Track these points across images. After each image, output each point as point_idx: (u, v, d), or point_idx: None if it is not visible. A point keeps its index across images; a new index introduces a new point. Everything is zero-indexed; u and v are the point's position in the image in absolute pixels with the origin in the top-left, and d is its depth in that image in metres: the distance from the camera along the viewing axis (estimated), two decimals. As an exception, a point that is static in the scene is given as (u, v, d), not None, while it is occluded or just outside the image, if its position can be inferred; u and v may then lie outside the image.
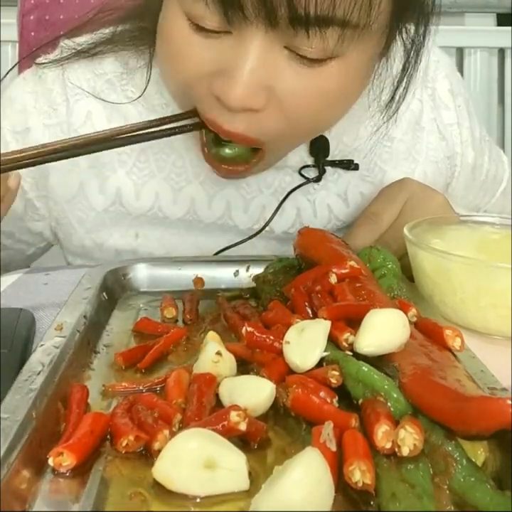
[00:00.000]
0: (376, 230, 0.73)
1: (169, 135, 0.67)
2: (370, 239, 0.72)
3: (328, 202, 0.84)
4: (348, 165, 0.82)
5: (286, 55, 0.62)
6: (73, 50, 0.80)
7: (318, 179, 0.81)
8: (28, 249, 0.90)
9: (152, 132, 0.66)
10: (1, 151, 0.71)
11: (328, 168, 0.82)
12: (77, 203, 0.82)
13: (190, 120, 0.69)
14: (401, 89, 0.75)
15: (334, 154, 0.82)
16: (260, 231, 0.80)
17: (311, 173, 0.83)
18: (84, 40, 0.82)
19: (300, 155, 0.81)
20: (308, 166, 0.82)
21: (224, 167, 0.70)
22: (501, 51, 2.05)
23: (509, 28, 1.96)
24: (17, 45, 1.24)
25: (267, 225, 0.80)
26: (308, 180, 0.81)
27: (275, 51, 0.62)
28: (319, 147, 0.80)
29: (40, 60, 0.81)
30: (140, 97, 0.78)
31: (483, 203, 0.98)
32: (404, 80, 0.74)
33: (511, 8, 1.99)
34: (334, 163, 0.82)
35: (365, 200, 0.82)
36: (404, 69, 0.73)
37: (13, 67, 0.91)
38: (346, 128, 0.81)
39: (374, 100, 0.77)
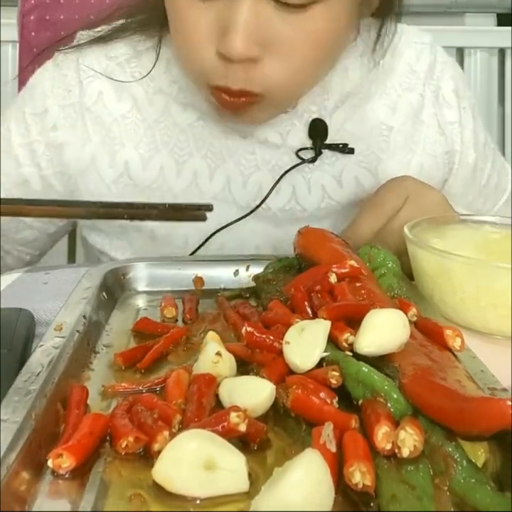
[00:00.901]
0: (381, 215, 0.73)
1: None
2: (375, 225, 0.73)
3: (322, 182, 0.86)
4: (343, 149, 0.85)
5: (272, 6, 0.68)
6: (90, 38, 0.88)
7: (313, 160, 0.84)
8: (48, 228, 0.94)
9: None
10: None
11: (327, 152, 0.85)
12: (89, 175, 0.87)
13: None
14: (386, 29, 0.82)
15: (335, 139, 0.85)
16: (258, 207, 0.83)
17: (308, 155, 0.85)
18: (99, 29, 0.89)
19: (299, 137, 0.84)
20: (306, 148, 0.84)
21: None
22: (501, 51, 2.05)
23: (509, 28, 1.97)
24: (17, 45, 1.24)
25: (264, 200, 0.82)
26: (303, 161, 0.84)
27: (263, 3, 0.68)
28: (318, 130, 0.84)
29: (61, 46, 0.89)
30: (147, 75, 0.84)
31: (484, 210, 0.98)
32: (388, 20, 0.81)
33: (511, 8, 1.99)
34: (330, 146, 0.84)
35: (359, 185, 0.86)
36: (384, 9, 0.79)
37: (32, 60, 0.99)
38: (347, 115, 0.85)
39: (363, 51, 0.84)
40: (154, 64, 0.84)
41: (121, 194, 0.86)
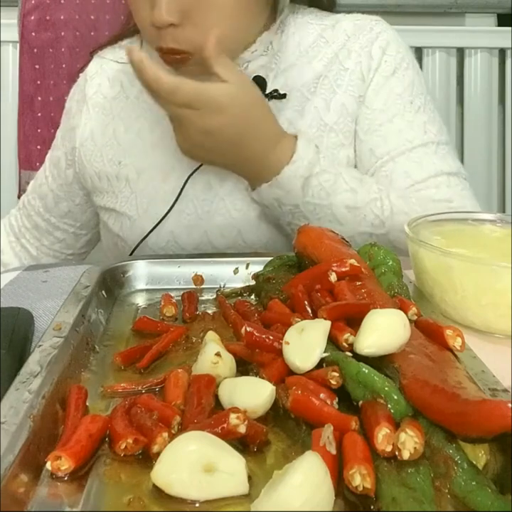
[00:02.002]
0: None
1: None
2: None
3: None
4: (276, 95, 0.99)
5: None
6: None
7: None
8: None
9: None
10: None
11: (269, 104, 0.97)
12: (85, 142, 1.07)
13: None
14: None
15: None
16: None
17: None
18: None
19: None
20: None
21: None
22: (502, 51, 2.05)
23: (509, 28, 1.96)
24: (18, 45, 1.24)
25: None
26: None
27: None
28: (258, 84, 0.95)
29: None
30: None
31: (383, 152, 0.98)
32: None
33: (511, 8, 1.99)
34: (266, 95, 0.97)
35: (290, 125, 0.98)
36: None
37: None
38: (290, 75, 1.01)
39: None
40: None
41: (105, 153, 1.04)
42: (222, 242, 0.95)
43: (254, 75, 0.98)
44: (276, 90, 0.99)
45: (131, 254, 0.96)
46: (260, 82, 0.98)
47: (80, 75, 1.13)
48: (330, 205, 0.87)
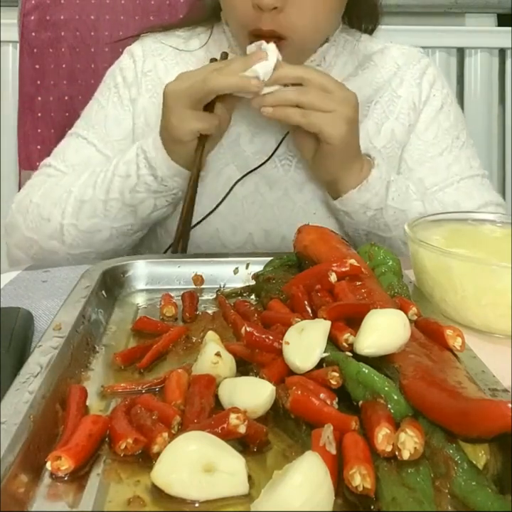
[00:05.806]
0: None
1: None
2: None
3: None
4: None
5: None
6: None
7: None
8: None
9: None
10: None
11: None
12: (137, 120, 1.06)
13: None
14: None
15: None
16: (271, 156, 0.99)
17: None
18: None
19: None
20: None
21: None
22: (502, 51, 2.06)
23: (509, 28, 1.97)
24: (18, 45, 1.24)
25: (275, 150, 0.98)
26: None
27: None
28: None
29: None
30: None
31: (430, 183, 1.02)
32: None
33: (511, 8, 1.99)
34: None
35: None
36: None
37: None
38: None
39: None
40: (207, 40, 1.07)
41: None
42: (266, 246, 0.97)
43: None
44: None
45: (168, 248, 0.94)
46: None
47: (125, 53, 1.09)
48: (406, 211, 0.91)
